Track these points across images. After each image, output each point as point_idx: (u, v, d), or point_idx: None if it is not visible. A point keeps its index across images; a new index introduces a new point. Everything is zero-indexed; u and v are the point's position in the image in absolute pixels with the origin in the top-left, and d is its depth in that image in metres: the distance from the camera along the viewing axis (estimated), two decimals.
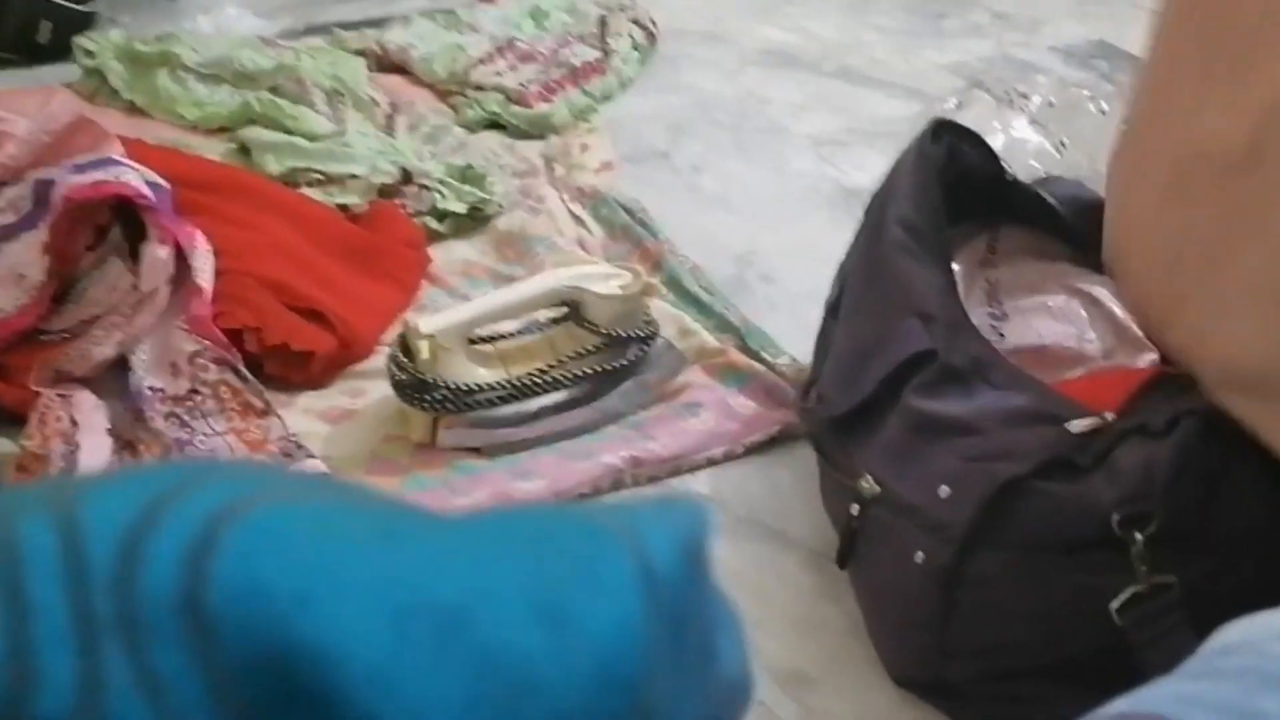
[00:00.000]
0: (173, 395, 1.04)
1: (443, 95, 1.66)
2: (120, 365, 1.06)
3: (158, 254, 1.07)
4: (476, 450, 1.05)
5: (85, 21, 1.77)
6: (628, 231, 1.34)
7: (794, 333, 1.08)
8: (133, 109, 1.58)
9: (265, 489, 0.26)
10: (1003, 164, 0.99)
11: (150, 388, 1.03)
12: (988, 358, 0.86)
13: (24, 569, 0.23)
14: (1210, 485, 0.73)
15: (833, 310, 0.98)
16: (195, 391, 1.05)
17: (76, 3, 1.77)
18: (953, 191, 0.96)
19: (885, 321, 0.88)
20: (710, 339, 1.17)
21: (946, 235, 0.94)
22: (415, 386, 1.02)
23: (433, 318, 1.06)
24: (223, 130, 1.52)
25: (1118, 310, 0.95)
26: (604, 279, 1.08)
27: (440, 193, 1.37)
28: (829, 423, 0.92)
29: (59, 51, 1.71)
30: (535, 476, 1.01)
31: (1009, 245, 1.01)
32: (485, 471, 1.02)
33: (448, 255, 1.32)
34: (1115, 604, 0.72)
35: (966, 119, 1.39)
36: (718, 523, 0.29)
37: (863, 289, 0.94)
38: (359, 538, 0.25)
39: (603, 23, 1.80)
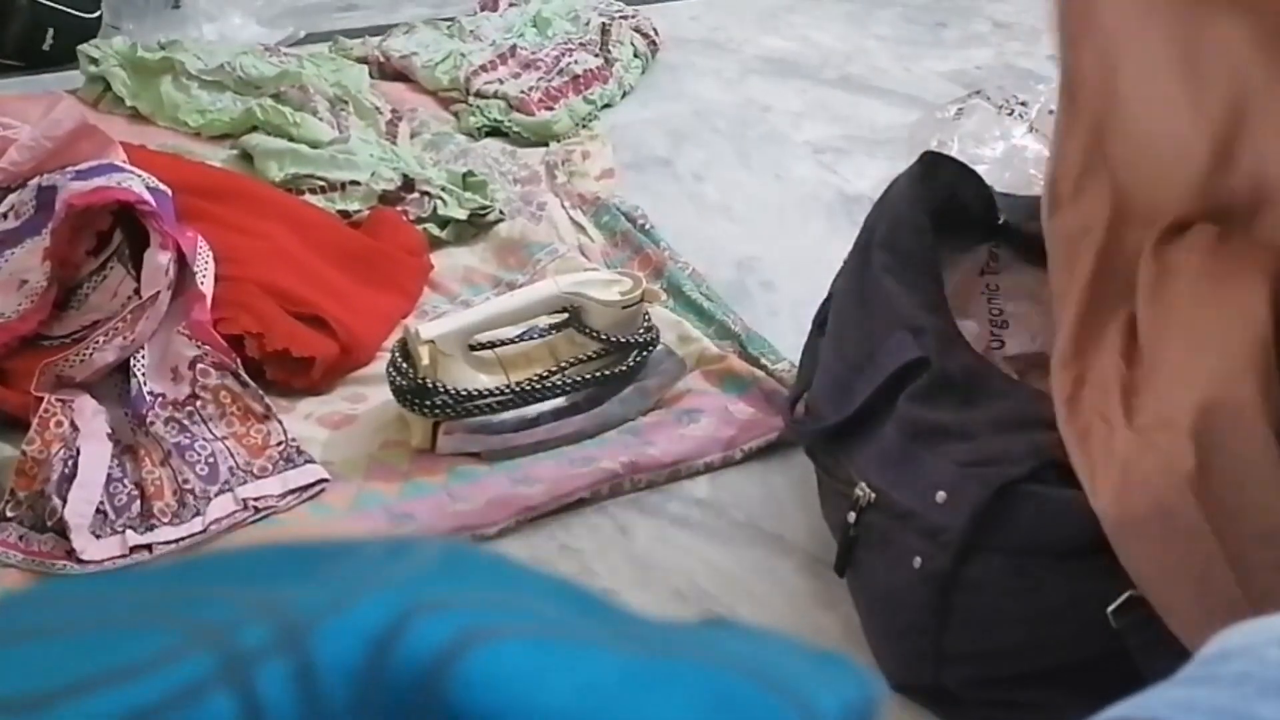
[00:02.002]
0: (173, 400, 1.04)
1: (445, 102, 1.67)
2: (121, 370, 1.06)
3: (159, 260, 1.07)
4: (476, 456, 1.05)
5: (90, 29, 1.78)
6: (628, 238, 1.34)
7: (794, 339, 1.08)
8: (136, 115, 1.58)
9: (499, 618, 0.26)
10: (995, 199, 0.99)
11: (151, 393, 1.03)
12: (980, 366, 0.86)
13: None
14: None
15: (820, 325, 0.99)
16: (195, 396, 1.05)
17: (81, 10, 1.77)
18: (949, 219, 0.96)
19: (874, 336, 0.89)
20: (710, 345, 1.17)
21: (935, 255, 0.94)
22: (415, 392, 1.02)
23: (433, 323, 1.07)
24: (225, 137, 1.53)
25: None
26: (605, 285, 1.09)
27: (442, 199, 1.37)
28: (820, 434, 0.92)
29: (63, 58, 1.72)
30: (535, 482, 1.01)
31: (1009, 252, 1.02)
32: (485, 477, 1.02)
33: (449, 261, 1.33)
34: (1112, 608, 0.72)
35: (966, 127, 1.40)
36: (884, 691, 0.30)
37: (851, 308, 0.94)
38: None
39: (604, 30, 1.80)
